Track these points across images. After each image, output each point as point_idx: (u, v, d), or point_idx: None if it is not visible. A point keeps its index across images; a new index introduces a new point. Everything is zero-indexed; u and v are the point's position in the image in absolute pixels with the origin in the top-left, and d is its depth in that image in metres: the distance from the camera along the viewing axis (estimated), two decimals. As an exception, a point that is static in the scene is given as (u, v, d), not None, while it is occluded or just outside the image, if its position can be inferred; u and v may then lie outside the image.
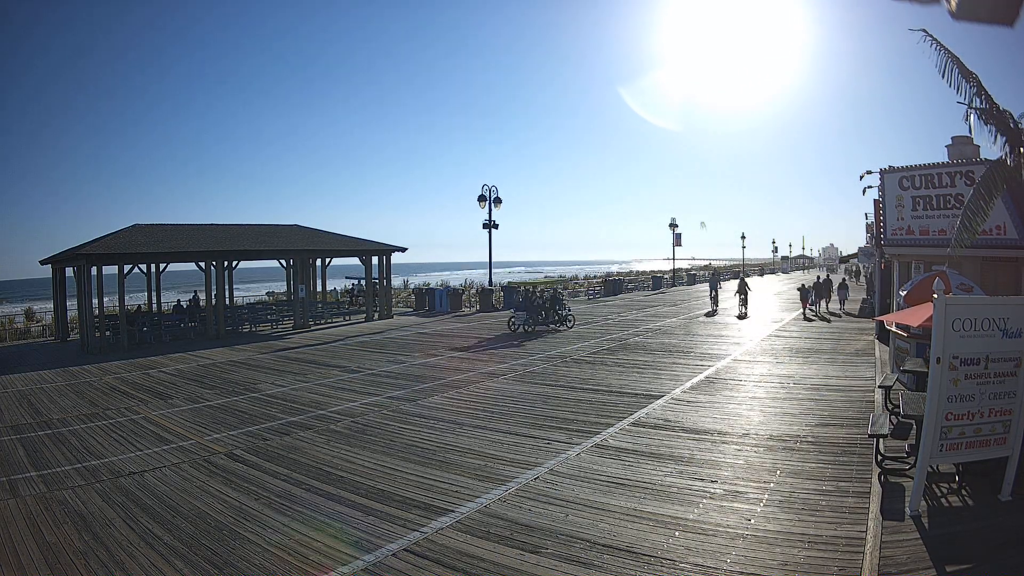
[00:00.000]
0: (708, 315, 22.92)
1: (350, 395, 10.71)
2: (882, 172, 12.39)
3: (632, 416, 8.62)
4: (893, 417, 7.47)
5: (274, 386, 11.75)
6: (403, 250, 25.54)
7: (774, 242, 79.99)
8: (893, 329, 10.06)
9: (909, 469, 5.97)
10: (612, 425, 8.20)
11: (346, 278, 33.23)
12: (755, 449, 7.05)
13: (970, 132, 7.60)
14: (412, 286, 38.77)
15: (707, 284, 40.71)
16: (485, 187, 27.98)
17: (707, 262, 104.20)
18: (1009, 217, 9.12)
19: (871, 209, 22.87)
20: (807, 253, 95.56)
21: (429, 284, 40.11)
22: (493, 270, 29.80)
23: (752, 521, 5.15)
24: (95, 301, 19.15)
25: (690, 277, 51.43)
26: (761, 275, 61.83)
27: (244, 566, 4.62)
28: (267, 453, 7.48)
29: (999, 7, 1.68)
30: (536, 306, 19.20)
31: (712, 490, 5.88)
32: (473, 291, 31.03)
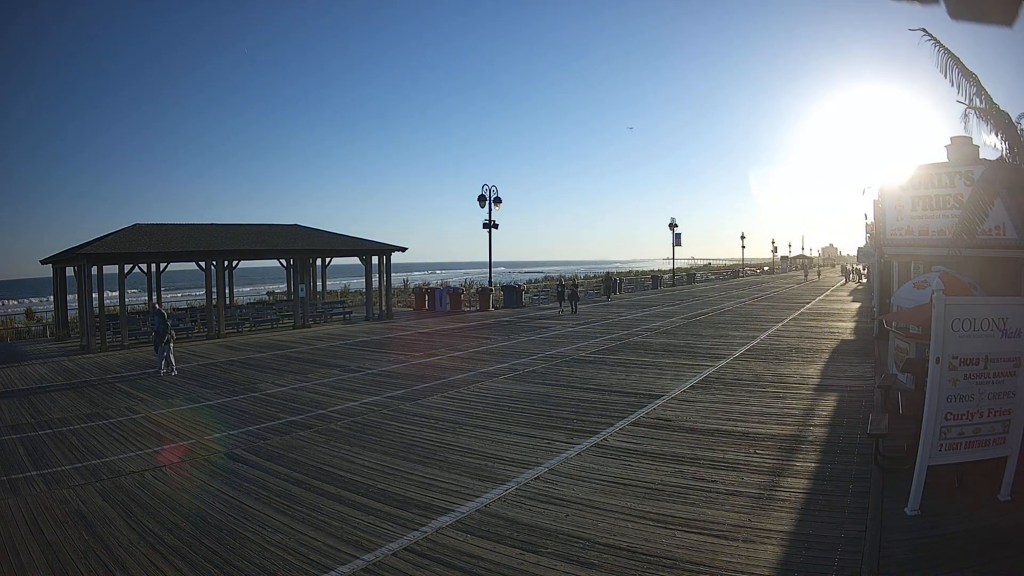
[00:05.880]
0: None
1: (350, 395, 10.72)
2: (881, 172, 12.40)
3: (633, 416, 8.63)
4: (892, 417, 7.47)
5: (274, 386, 11.75)
6: (403, 250, 25.55)
7: (773, 242, 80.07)
8: (893, 329, 10.07)
9: (908, 469, 5.97)
10: (612, 425, 8.20)
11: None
12: (755, 448, 7.06)
13: (967, 132, 7.58)
14: (412, 285, 38.74)
15: (708, 284, 40.64)
16: (485, 187, 28.02)
17: (707, 262, 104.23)
18: (1009, 217, 9.11)
19: (871, 209, 22.92)
20: (807, 253, 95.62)
21: (429, 284, 40.09)
22: (493, 270, 29.82)
23: (752, 521, 5.16)
24: (95, 301, 19.14)
25: (689, 276, 51.51)
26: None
27: (244, 565, 4.63)
28: (267, 453, 7.48)
29: (998, 7, 1.69)
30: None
31: (712, 490, 5.88)
32: (473, 291, 31.02)
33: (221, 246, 21.21)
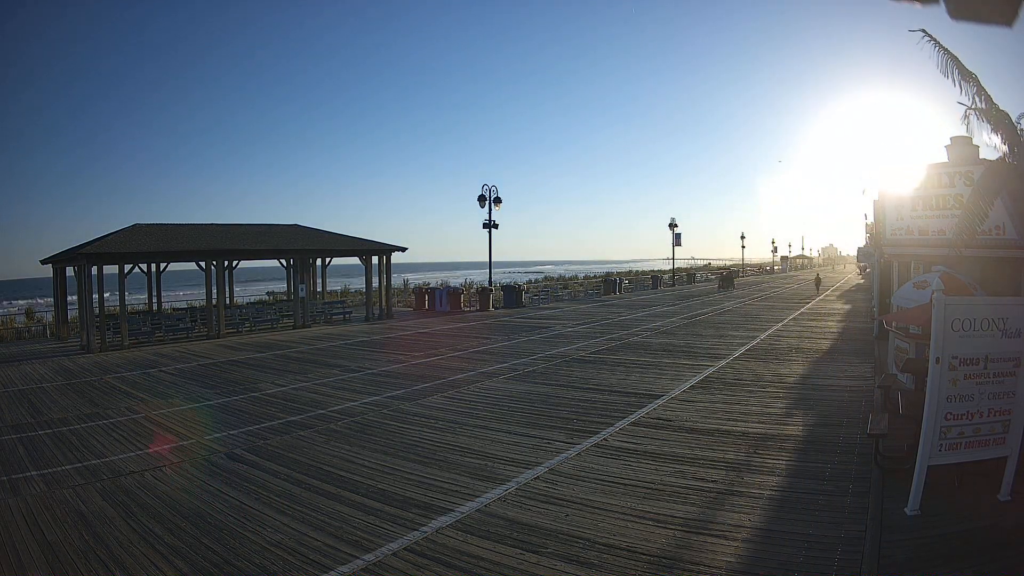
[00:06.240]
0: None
1: (350, 394, 10.72)
2: (881, 173, 12.40)
3: (632, 416, 8.63)
4: (892, 417, 7.47)
5: (274, 385, 11.75)
6: (403, 250, 25.55)
7: (773, 242, 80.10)
8: (893, 329, 10.07)
9: (908, 469, 5.97)
10: (612, 425, 8.20)
11: None
12: (755, 448, 7.06)
13: (968, 132, 7.57)
14: (412, 285, 38.72)
15: (708, 283, 40.67)
16: (485, 187, 28.02)
17: (707, 261, 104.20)
18: (1009, 217, 9.11)
19: (871, 209, 22.93)
20: (807, 253, 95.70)
21: (429, 284, 40.08)
22: (493, 270, 29.81)
23: (752, 521, 5.16)
24: (95, 300, 19.14)
25: (689, 276, 51.55)
26: None
27: (244, 565, 4.63)
28: (267, 452, 7.48)
29: (998, 7, 1.68)
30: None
31: (712, 489, 5.88)
32: (473, 291, 31.01)
33: (221, 246, 21.20)
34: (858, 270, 37.37)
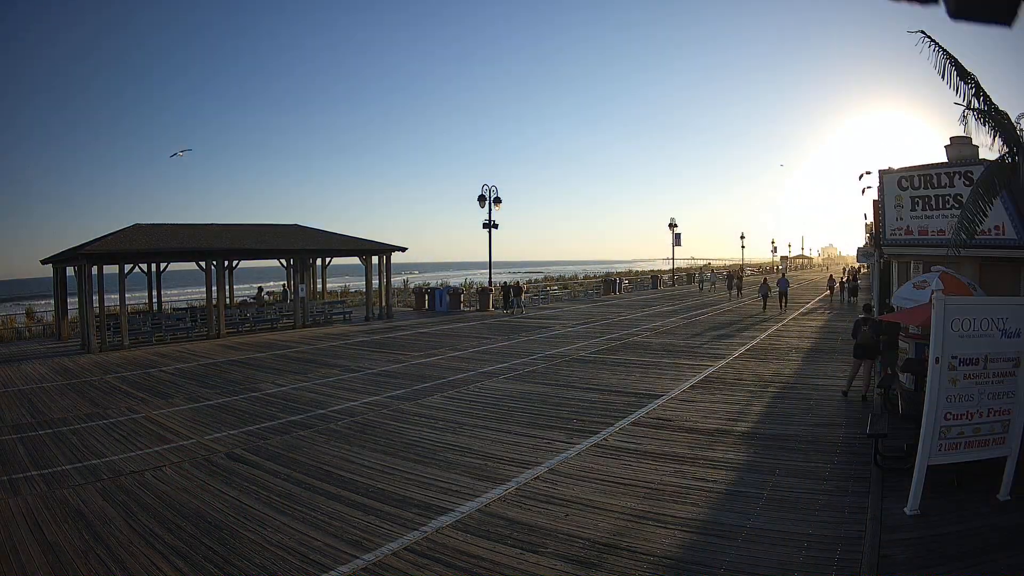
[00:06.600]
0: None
1: (350, 394, 10.72)
2: (881, 172, 12.40)
3: (632, 415, 8.63)
4: (891, 417, 7.48)
5: (274, 385, 11.75)
6: (403, 250, 25.55)
7: (773, 242, 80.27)
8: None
9: (908, 469, 5.98)
10: (612, 424, 8.20)
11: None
12: (755, 449, 7.06)
13: (966, 132, 7.58)
14: (412, 286, 38.70)
15: (707, 284, 40.78)
16: (485, 187, 28.02)
17: (706, 261, 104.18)
18: (1008, 217, 9.12)
19: (870, 209, 22.94)
20: (806, 253, 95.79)
21: (429, 284, 40.05)
22: (493, 270, 29.81)
23: (751, 520, 5.16)
24: (95, 300, 19.13)
25: (689, 276, 51.57)
26: None
27: (244, 565, 4.63)
28: (267, 452, 7.48)
29: (998, 7, 1.69)
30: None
31: (712, 490, 5.89)
32: (473, 291, 31.01)
33: (221, 246, 21.19)
34: (840, 273, 38.93)
